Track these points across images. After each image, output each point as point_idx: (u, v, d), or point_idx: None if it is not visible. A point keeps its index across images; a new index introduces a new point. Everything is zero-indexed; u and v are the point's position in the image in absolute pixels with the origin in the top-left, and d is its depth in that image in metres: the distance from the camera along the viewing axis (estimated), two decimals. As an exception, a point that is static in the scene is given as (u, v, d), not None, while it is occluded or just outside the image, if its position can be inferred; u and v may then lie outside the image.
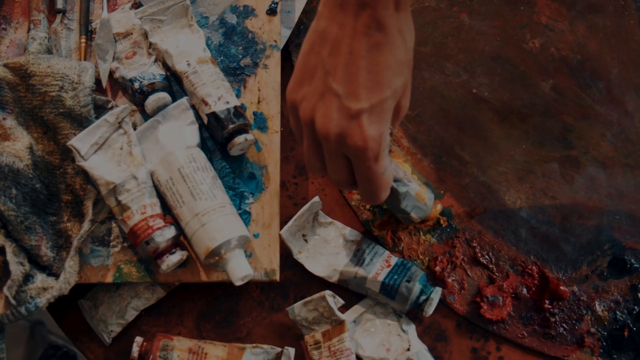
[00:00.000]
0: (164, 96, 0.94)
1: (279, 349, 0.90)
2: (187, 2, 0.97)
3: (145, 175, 0.90)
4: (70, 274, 0.88)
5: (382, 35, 0.66)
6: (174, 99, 0.95)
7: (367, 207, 0.98)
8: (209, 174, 0.90)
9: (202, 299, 0.96)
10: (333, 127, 0.67)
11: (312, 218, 0.96)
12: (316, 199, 0.95)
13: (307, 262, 0.94)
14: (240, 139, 0.92)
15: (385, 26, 0.65)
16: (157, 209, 0.89)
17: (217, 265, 0.90)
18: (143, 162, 0.90)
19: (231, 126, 0.91)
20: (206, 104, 0.92)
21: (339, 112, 0.67)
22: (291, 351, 0.90)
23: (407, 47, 0.68)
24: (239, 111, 0.93)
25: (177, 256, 0.88)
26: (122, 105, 0.93)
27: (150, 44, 0.97)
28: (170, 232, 0.88)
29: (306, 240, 0.95)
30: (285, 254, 0.95)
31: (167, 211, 0.91)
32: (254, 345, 0.90)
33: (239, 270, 0.87)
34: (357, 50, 0.66)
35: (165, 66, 0.97)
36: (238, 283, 0.87)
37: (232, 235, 0.87)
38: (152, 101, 0.93)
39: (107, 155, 0.91)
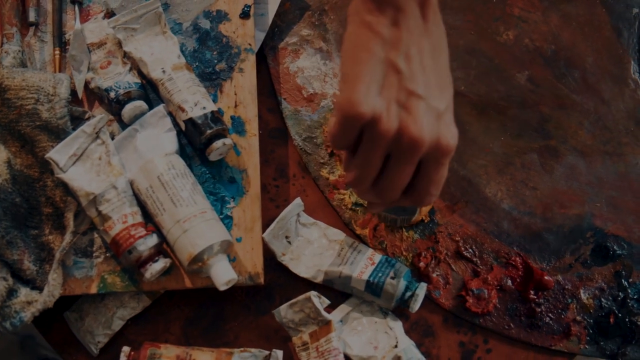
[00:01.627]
0: (140, 104, 0.94)
1: (266, 352, 0.90)
2: (160, 10, 0.97)
3: (125, 184, 0.90)
4: (54, 286, 0.88)
5: (441, 33, 0.66)
6: (151, 107, 0.95)
7: (349, 206, 0.98)
8: (189, 180, 0.90)
9: (188, 306, 0.96)
10: (427, 132, 0.63)
11: (294, 220, 0.96)
12: (298, 200, 0.95)
13: (291, 264, 0.94)
14: (218, 143, 0.92)
15: (440, 23, 0.65)
16: (139, 218, 0.89)
17: (201, 271, 0.89)
18: (122, 171, 0.90)
19: (209, 131, 0.91)
20: (183, 110, 0.92)
21: (428, 115, 0.64)
22: (279, 353, 0.90)
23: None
24: (216, 116, 0.92)
25: (160, 264, 0.88)
26: (99, 115, 0.93)
27: (125, 52, 0.97)
28: (152, 240, 0.88)
29: (289, 242, 0.95)
30: (269, 257, 0.95)
31: (149, 219, 0.91)
32: (242, 349, 0.90)
33: (223, 275, 0.87)
34: (424, 51, 0.65)
35: (141, 74, 0.97)
36: (222, 288, 0.87)
37: (214, 241, 0.87)
38: (128, 110, 0.93)
39: (86, 166, 0.90)
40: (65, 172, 0.89)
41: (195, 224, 0.87)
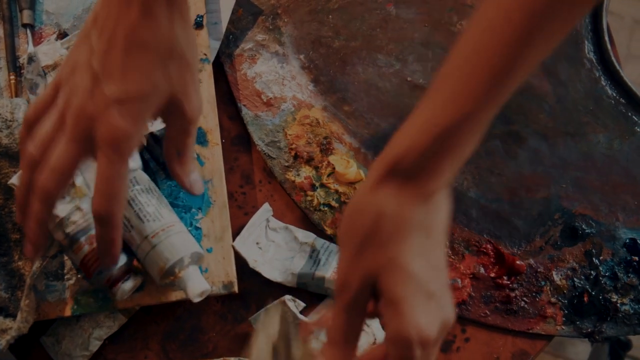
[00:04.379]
0: (99, 123, 0.93)
1: (246, 360, 0.90)
2: (112, 26, 0.97)
3: (90, 205, 0.89)
4: (27, 312, 0.88)
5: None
6: (111, 125, 0.95)
7: (317, 207, 0.98)
8: (154, 194, 0.90)
9: (165, 320, 0.96)
10: None
11: (264, 225, 0.96)
12: (266, 205, 0.95)
13: (264, 270, 0.94)
14: (180, 156, 0.91)
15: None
16: (107, 237, 0.88)
17: (173, 285, 0.89)
18: (87, 191, 0.90)
19: (170, 145, 0.91)
20: (143, 125, 0.92)
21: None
22: (259, 360, 0.90)
23: None
24: (176, 129, 0.92)
25: (131, 282, 0.87)
26: (59, 137, 0.93)
27: (81, 72, 0.96)
28: (121, 259, 0.87)
29: (260, 248, 0.95)
30: (242, 265, 0.95)
31: (117, 237, 0.90)
32: (222, 359, 0.90)
33: (196, 286, 0.87)
34: None
35: (98, 93, 0.96)
36: (196, 300, 0.87)
37: (184, 253, 0.87)
38: (88, 129, 0.93)
39: (50, 189, 0.90)
40: (29, 197, 0.89)
41: (163, 238, 0.87)
